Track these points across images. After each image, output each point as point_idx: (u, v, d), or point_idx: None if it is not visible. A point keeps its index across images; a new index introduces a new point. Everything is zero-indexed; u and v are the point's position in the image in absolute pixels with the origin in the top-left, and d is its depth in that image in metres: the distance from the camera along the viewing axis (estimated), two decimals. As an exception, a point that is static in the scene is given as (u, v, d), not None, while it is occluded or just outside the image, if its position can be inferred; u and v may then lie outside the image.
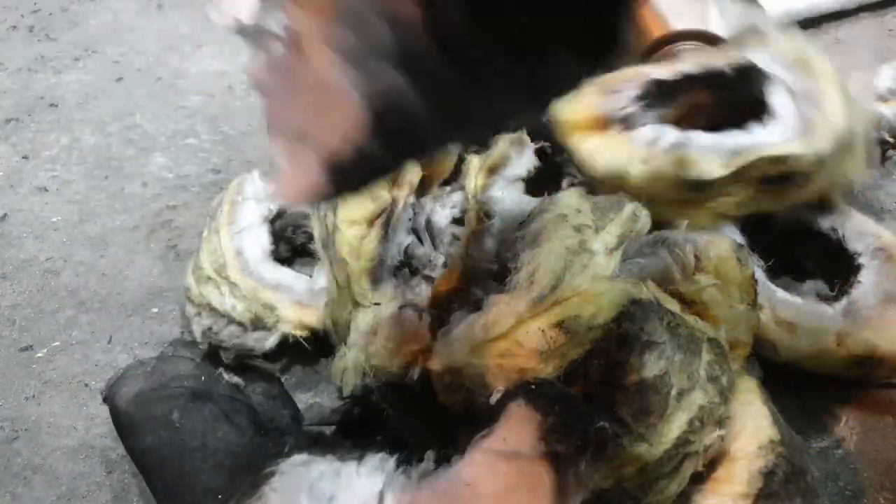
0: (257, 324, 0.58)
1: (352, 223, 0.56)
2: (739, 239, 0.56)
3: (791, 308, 0.55)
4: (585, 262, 0.48)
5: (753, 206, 0.57)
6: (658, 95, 0.62)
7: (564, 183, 0.64)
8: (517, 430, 0.37)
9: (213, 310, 0.59)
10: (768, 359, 0.54)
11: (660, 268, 0.49)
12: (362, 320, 0.53)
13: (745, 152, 0.56)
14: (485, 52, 0.29)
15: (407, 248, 0.58)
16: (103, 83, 0.95)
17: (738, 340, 0.49)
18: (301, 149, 0.31)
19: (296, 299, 0.59)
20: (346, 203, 0.57)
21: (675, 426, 0.42)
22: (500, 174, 0.61)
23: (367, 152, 0.29)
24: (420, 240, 0.59)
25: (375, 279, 0.55)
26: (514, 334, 0.44)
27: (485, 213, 0.56)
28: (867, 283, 0.56)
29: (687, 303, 0.48)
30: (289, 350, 0.59)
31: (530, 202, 0.58)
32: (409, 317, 0.52)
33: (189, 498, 0.49)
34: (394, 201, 0.58)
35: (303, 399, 0.58)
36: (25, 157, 0.83)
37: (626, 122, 0.61)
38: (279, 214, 0.66)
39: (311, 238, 0.64)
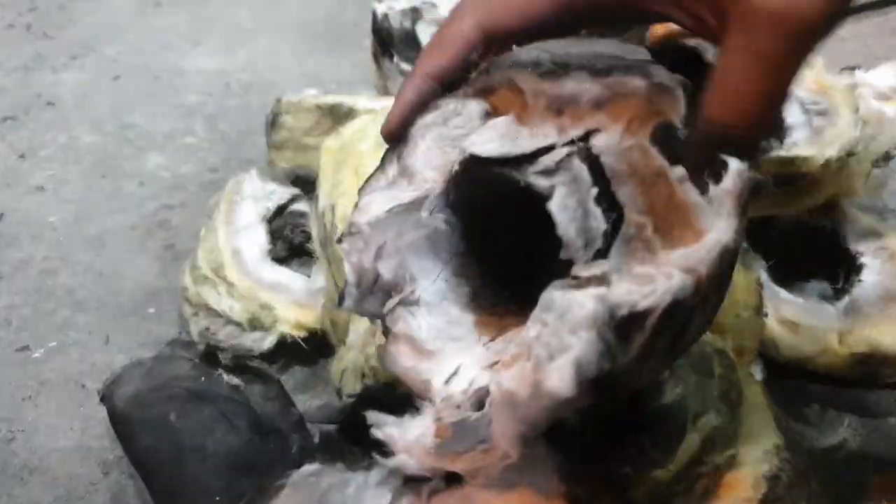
0: (255, 324, 0.57)
1: (351, 223, 0.56)
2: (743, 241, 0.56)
3: (793, 307, 0.55)
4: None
5: (760, 209, 0.57)
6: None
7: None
8: (534, 463, 0.36)
9: (210, 310, 0.58)
10: (770, 358, 0.54)
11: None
12: (361, 321, 0.53)
13: (753, 154, 0.56)
14: None
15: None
16: (101, 82, 0.95)
17: (744, 348, 0.49)
18: None
19: (294, 299, 0.59)
20: (345, 202, 0.56)
21: (688, 448, 0.42)
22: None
23: None
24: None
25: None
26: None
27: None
28: (869, 282, 0.56)
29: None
30: (287, 351, 0.59)
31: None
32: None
33: (187, 499, 0.48)
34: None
35: (301, 400, 0.57)
36: (22, 156, 0.83)
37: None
38: (277, 214, 0.66)
39: (309, 238, 0.63)
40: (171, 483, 0.49)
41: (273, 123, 0.71)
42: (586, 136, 0.31)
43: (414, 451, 0.34)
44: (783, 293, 0.56)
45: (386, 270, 0.37)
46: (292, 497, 0.41)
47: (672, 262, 0.29)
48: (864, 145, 0.56)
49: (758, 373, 0.53)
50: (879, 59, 0.70)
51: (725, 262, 0.30)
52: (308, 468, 0.42)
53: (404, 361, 0.36)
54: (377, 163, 0.39)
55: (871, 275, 0.56)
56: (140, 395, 0.53)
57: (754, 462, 0.43)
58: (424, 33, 0.71)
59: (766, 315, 0.53)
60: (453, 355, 0.36)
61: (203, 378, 0.55)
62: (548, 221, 0.32)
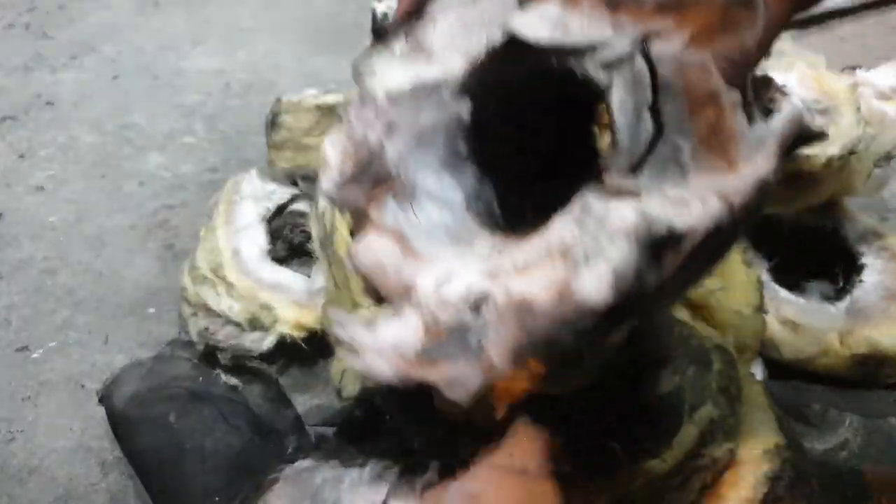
0: (254, 324, 0.57)
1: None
2: (743, 239, 0.56)
3: (794, 308, 0.55)
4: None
5: (762, 207, 0.57)
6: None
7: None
8: (525, 447, 0.36)
9: (209, 310, 0.58)
10: (771, 358, 0.54)
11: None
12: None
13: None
14: None
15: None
16: (100, 81, 0.95)
17: (745, 345, 0.49)
18: None
19: (293, 299, 0.59)
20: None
21: (685, 440, 0.41)
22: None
23: None
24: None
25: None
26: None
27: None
28: (870, 282, 0.56)
29: (693, 307, 0.48)
30: (286, 351, 0.59)
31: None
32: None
33: (186, 499, 0.48)
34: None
35: (301, 400, 0.57)
36: (22, 156, 0.83)
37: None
38: (277, 214, 0.66)
39: (308, 237, 0.63)
40: (170, 483, 0.49)
41: (273, 123, 0.71)
42: (645, 39, 0.28)
43: (386, 353, 0.31)
44: (784, 293, 0.56)
45: (392, 152, 0.33)
46: (285, 491, 0.41)
47: (706, 187, 0.27)
48: (865, 145, 0.56)
49: (758, 373, 0.53)
50: (880, 58, 0.70)
51: (759, 200, 0.28)
52: (302, 464, 0.42)
53: (383, 258, 0.32)
54: None
55: (872, 275, 0.56)
56: (139, 396, 0.53)
57: (755, 462, 0.43)
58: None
59: (767, 313, 0.53)
60: (447, 261, 0.32)
61: (202, 378, 0.55)
62: (572, 130, 0.30)
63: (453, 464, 0.39)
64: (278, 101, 0.71)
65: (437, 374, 0.30)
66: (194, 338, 0.59)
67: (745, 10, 0.27)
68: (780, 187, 0.56)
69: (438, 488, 0.38)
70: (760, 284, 0.50)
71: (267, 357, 0.58)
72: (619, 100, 0.28)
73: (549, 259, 0.28)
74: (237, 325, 0.57)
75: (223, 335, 0.58)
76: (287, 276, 0.61)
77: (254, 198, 0.65)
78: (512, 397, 0.33)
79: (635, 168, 0.28)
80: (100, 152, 0.83)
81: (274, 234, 0.65)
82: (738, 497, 0.42)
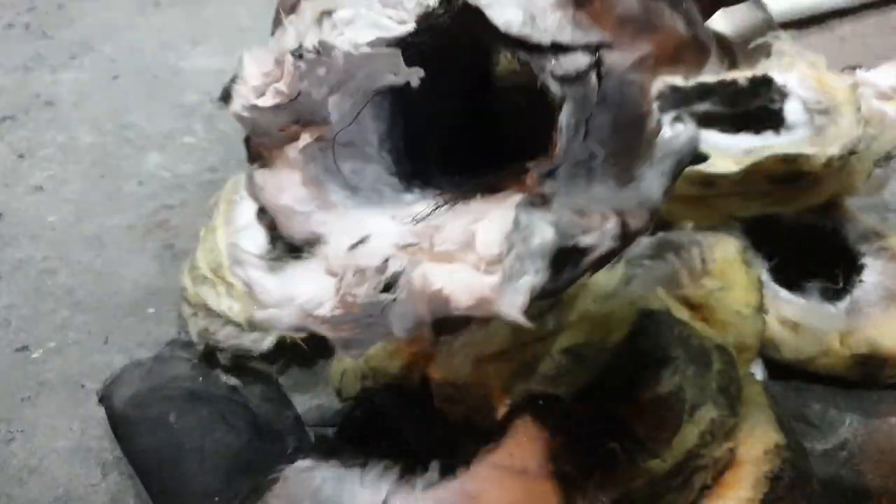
0: (254, 324, 0.57)
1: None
2: (743, 239, 0.56)
3: (794, 308, 0.55)
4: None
5: (762, 207, 0.57)
6: (673, 101, 0.63)
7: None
8: (525, 446, 0.36)
9: (209, 310, 0.58)
10: (771, 359, 0.54)
11: (668, 273, 0.48)
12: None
13: (756, 151, 0.56)
14: None
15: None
16: (100, 81, 0.94)
17: (745, 345, 0.49)
18: None
19: (293, 299, 0.59)
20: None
21: (686, 440, 0.41)
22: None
23: None
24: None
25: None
26: (520, 356, 0.43)
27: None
28: (870, 282, 0.56)
29: (694, 307, 0.48)
30: (286, 351, 0.59)
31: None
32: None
33: (185, 499, 0.48)
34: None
35: (300, 401, 0.57)
36: (21, 156, 0.83)
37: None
38: (277, 214, 0.65)
39: (308, 237, 0.63)
40: (170, 483, 0.49)
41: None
42: (599, 49, 0.28)
43: (290, 308, 0.30)
44: (784, 293, 0.56)
45: (334, 110, 0.31)
46: (285, 491, 0.41)
47: (607, 199, 0.28)
48: (865, 145, 0.56)
49: (759, 373, 0.53)
50: (880, 58, 0.70)
51: (650, 220, 0.29)
52: (302, 463, 0.42)
53: (289, 199, 0.31)
54: None
55: (872, 275, 0.56)
56: (139, 396, 0.53)
57: (755, 462, 0.43)
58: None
59: (766, 313, 0.53)
60: (362, 220, 0.31)
61: (202, 379, 0.55)
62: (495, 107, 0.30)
63: (453, 464, 0.39)
64: (278, 100, 0.71)
65: (336, 334, 0.30)
66: (194, 338, 0.59)
67: (699, 54, 0.28)
68: (781, 187, 0.57)
69: (438, 488, 0.38)
70: (760, 284, 0.50)
71: (267, 357, 0.58)
72: (569, 115, 0.28)
73: (474, 262, 0.28)
74: (237, 325, 0.57)
75: (223, 335, 0.58)
76: (287, 276, 0.60)
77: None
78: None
79: (553, 172, 0.29)
80: (99, 152, 0.83)
81: (273, 235, 0.65)
82: (739, 497, 0.42)
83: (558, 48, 0.29)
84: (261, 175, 0.31)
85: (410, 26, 0.30)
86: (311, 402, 0.58)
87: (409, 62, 0.31)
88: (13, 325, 0.65)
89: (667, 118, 0.57)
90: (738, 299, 0.49)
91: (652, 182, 0.28)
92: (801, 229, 0.60)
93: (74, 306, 0.66)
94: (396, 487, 0.40)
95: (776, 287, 0.56)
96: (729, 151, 0.57)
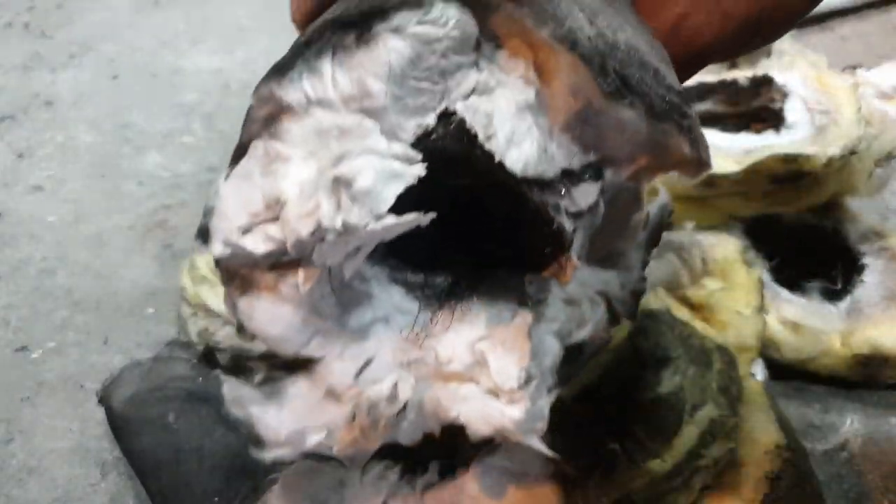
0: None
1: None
2: (743, 239, 0.56)
3: (795, 308, 0.55)
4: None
5: (762, 207, 0.57)
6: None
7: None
8: (525, 448, 0.36)
9: (208, 311, 0.58)
10: (772, 359, 0.54)
11: (668, 273, 0.48)
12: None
13: (757, 151, 0.56)
14: None
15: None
16: (99, 81, 0.94)
17: (745, 346, 0.49)
18: None
19: (293, 300, 0.59)
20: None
21: (686, 440, 0.41)
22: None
23: None
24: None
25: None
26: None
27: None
28: (871, 282, 0.56)
29: (694, 308, 0.48)
30: (286, 351, 0.59)
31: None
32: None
33: (185, 500, 0.48)
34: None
35: (300, 401, 0.57)
36: (20, 156, 0.83)
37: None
38: (276, 213, 0.65)
39: (308, 237, 0.63)
40: (170, 484, 0.49)
41: (272, 123, 0.71)
42: (600, 164, 0.26)
43: (292, 439, 0.29)
44: (785, 293, 0.56)
45: (349, 270, 0.28)
46: (284, 492, 0.41)
47: (593, 284, 0.28)
48: (866, 144, 0.56)
49: (759, 373, 0.53)
50: (882, 57, 0.70)
51: (631, 301, 0.29)
52: (301, 464, 0.42)
53: (281, 329, 0.29)
54: None
55: (873, 275, 0.56)
56: (138, 396, 0.53)
57: (756, 462, 0.43)
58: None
59: (767, 313, 0.52)
60: (360, 336, 0.29)
61: (202, 379, 0.55)
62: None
63: (453, 464, 0.39)
64: (277, 100, 0.71)
65: (338, 448, 0.29)
66: (193, 338, 0.59)
67: (698, 169, 0.26)
68: (782, 187, 0.57)
69: (438, 488, 0.38)
70: (761, 285, 0.50)
71: (266, 357, 0.58)
72: (580, 245, 0.27)
73: (488, 387, 0.28)
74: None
75: (222, 335, 0.57)
76: (286, 277, 0.60)
77: (253, 197, 0.65)
78: None
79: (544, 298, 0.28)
80: (98, 152, 0.83)
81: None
82: (739, 497, 0.42)
83: (567, 174, 0.26)
84: (246, 303, 0.29)
85: (420, 168, 0.26)
86: (310, 402, 0.58)
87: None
88: (12, 325, 0.65)
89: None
90: (738, 299, 0.49)
91: (631, 258, 0.28)
92: (802, 229, 0.60)
93: (74, 306, 0.66)
94: (396, 487, 0.39)
95: (777, 287, 0.56)
96: (729, 151, 0.57)
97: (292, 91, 0.26)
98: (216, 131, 0.86)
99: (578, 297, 0.28)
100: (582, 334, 0.28)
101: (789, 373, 0.55)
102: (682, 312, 0.47)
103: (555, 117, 0.26)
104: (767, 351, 0.54)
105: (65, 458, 0.55)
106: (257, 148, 0.28)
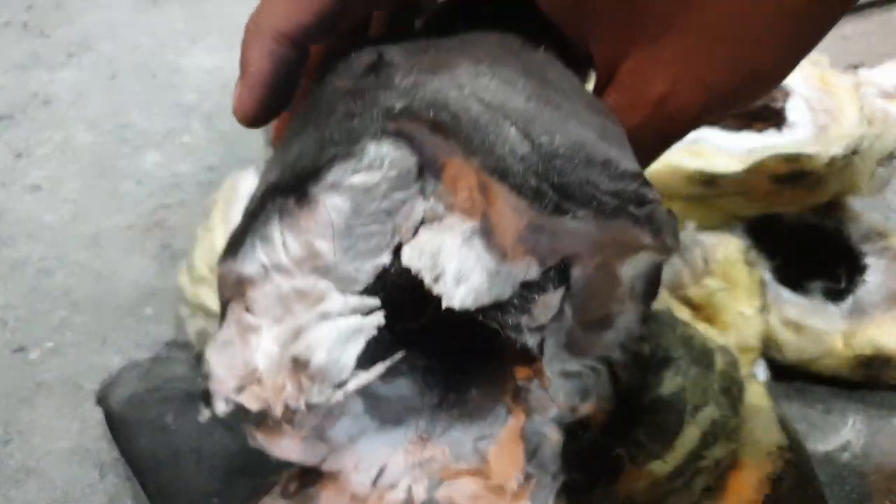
0: None
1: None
2: (745, 239, 0.55)
3: (797, 308, 0.55)
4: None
5: (764, 207, 0.57)
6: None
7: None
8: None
9: (207, 311, 0.58)
10: (774, 359, 0.54)
11: (670, 273, 0.48)
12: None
13: (758, 150, 0.56)
14: None
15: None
16: (97, 80, 0.94)
17: (747, 346, 0.49)
18: None
19: (292, 300, 0.58)
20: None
21: (687, 441, 0.41)
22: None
23: None
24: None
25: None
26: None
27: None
28: (873, 282, 0.56)
29: (696, 308, 0.48)
30: (285, 351, 0.58)
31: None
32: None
33: (184, 501, 0.48)
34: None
35: (300, 401, 0.57)
36: (19, 156, 0.83)
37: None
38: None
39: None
40: (168, 485, 0.49)
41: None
42: (564, 265, 0.26)
43: None
44: (786, 293, 0.56)
45: (339, 434, 0.29)
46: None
47: (587, 350, 0.27)
48: (868, 144, 0.56)
49: (761, 374, 0.53)
50: (883, 56, 0.70)
51: (633, 364, 0.28)
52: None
53: (295, 456, 0.29)
54: None
55: (875, 275, 0.56)
56: (136, 397, 0.53)
57: (758, 463, 0.42)
58: (423, 31, 0.71)
59: (769, 314, 0.52)
60: (370, 444, 0.30)
61: (200, 380, 0.55)
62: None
63: None
64: (277, 99, 0.71)
65: None
66: (192, 338, 0.58)
67: (664, 252, 0.25)
68: (783, 187, 0.56)
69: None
70: (763, 285, 0.50)
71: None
72: (550, 356, 0.27)
73: (493, 487, 0.28)
74: (235, 325, 0.57)
75: (221, 336, 0.57)
76: (285, 277, 0.60)
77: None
78: None
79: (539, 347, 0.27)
80: (97, 151, 0.83)
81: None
82: (741, 499, 0.42)
83: (526, 286, 0.26)
84: (262, 438, 0.30)
85: (379, 318, 0.26)
86: (310, 403, 0.57)
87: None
88: (10, 325, 0.64)
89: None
90: (740, 300, 0.49)
91: (628, 317, 0.27)
92: (804, 229, 0.60)
93: (72, 307, 0.66)
94: None
95: (778, 287, 0.56)
96: (731, 150, 0.57)
97: (248, 264, 0.26)
98: (215, 131, 0.85)
99: (577, 368, 0.27)
100: (585, 408, 0.27)
101: (791, 373, 0.55)
102: (683, 313, 0.47)
103: (503, 236, 0.25)
104: (769, 351, 0.54)
105: (63, 459, 0.55)
106: (234, 312, 0.28)
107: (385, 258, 0.26)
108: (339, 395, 0.27)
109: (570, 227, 0.24)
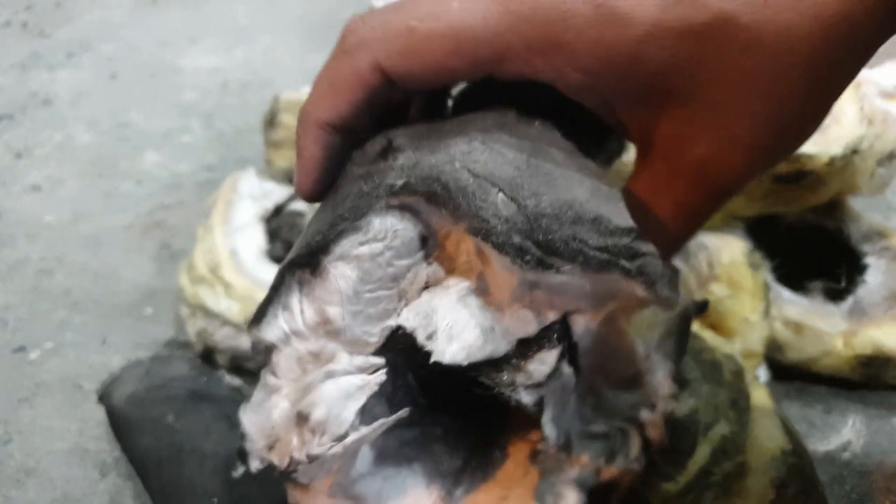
0: (253, 325, 0.57)
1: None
2: (746, 239, 0.55)
3: (797, 308, 0.55)
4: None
5: (764, 206, 0.57)
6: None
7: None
8: None
9: (207, 311, 0.58)
10: (774, 359, 0.54)
11: (676, 279, 0.48)
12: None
13: (759, 150, 0.56)
14: None
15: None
16: (97, 80, 0.94)
17: (752, 352, 0.48)
18: None
19: (292, 300, 0.58)
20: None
21: (699, 459, 0.41)
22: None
23: None
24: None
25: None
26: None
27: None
28: (873, 282, 0.55)
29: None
30: (285, 351, 0.58)
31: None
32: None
33: (185, 500, 0.48)
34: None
35: (300, 401, 0.57)
36: (18, 156, 0.83)
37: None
38: (275, 213, 0.65)
39: (307, 237, 0.63)
40: (169, 484, 0.49)
41: (271, 122, 0.71)
42: (565, 318, 0.26)
43: None
44: (787, 294, 0.55)
45: (368, 491, 0.31)
46: None
47: (622, 412, 0.28)
48: (868, 144, 0.56)
49: (762, 374, 0.53)
50: (883, 56, 0.69)
51: (663, 425, 0.29)
52: None
53: None
54: None
55: (876, 275, 0.56)
56: (138, 396, 0.53)
57: (763, 469, 0.42)
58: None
59: (773, 318, 0.52)
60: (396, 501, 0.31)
61: (202, 378, 0.55)
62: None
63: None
64: (276, 99, 0.71)
65: None
66: (192, 338, 0.58)
67: (664, 306, 0.26)
68: (783, 187, 0.56)
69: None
70: (767, 288, 0.50)
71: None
72: (550, 417, 0.27)
73: None
74: (235, 325, 0.57)
75: (221, 336, 0.57)
76: (286, 277, 0.60)
77: (251, 197, 0.65)
78: None
79: (567, 439, 0.28)
80: (97, 151, 0.83)
81: (272, 234, 0.64)
82: (745, 504, 0.42)
83: (523, 343, 0.27)
84: (300, 497, 0.32)
85: (381, 376, 0.28)
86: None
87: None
88: (10, 325, 0.64)
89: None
90: (745, 305, 0.49)
91: (656, 376, 0.28)
92: (804, 229, 0.60)
93: (72, 307, 0.66)
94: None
95: (779, 287, 0.56)
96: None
97: (270, 331, 0.29)
98: (215, 130, 0.85)
99: (603, 428, 0.28)
100: (611, 470, 0.27)
101: (791, 373, 0.55)
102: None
103: (498, 294, 0.27)
104: (769, 351, 0.54)
105: (63, 459, 0.55)
106: (263, 377, 0.31)
107: (393, 321, 0.28)
108: (338, 448, 0.28)
109: (560, 281, 0.25)
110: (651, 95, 0.28)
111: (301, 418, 0.29)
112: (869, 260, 0.57)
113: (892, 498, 0.49)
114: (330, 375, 0.29)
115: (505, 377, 0.27)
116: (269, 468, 0.30)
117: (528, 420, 0.30)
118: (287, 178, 0.70)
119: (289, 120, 0.69)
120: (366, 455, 0.32)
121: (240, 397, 0.54)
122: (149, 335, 0.63)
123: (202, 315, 0.58)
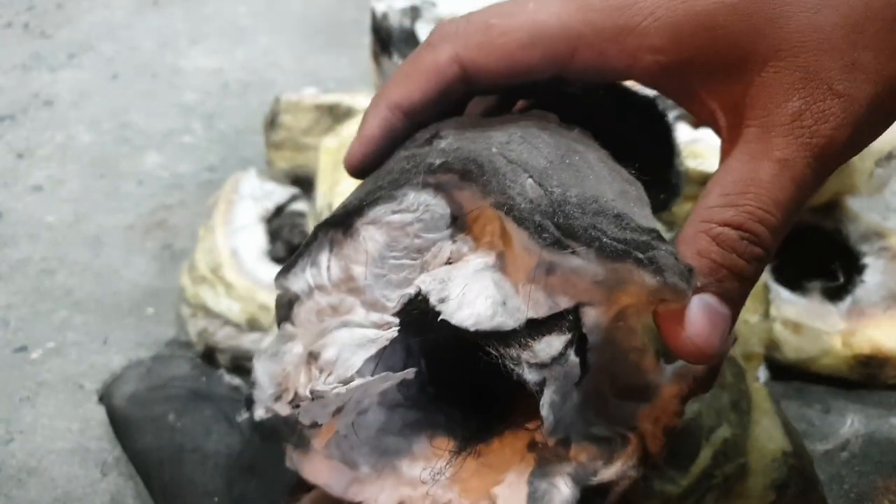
0: (254, 325, 0.57)
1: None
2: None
3: (795, 308, 0.55)
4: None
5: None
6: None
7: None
8: None
9: (208, 311, 0.58)
10: (772, 359, 0.54)
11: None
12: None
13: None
14: None
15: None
16: (98, 81, 0.94)
17: (752, 354, 0.49)
18: None
19: (293, 300, 0.58)
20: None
21: (701, 462, 0.41)
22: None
23: None
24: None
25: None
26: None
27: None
28: (871, 282, 0.56)
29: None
30: (286, 351, 0.58)
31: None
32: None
33: (186, 500, 0.48)
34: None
35: (300, 401, 0.57)
36: (20, 156, 0.83)
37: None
38: (276, 213, 0.65)
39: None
40: (171, 483, 0.49)
41: (272, 123, 0.71)
42: (577, 309, 0.27)
43: None
44: (785, 293, 0.56)
45: (364, 462, 0.32)
46: None
47: (624, 419, 0.29)
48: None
49: (760, 374, 0.53)
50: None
51: (663, 439, 0.29)
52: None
53: (323, 480, 0.32)
54: None
55: (874, 275, 0.56)
56: (139, 395, 0.53)
57: (763, 471, 0.42)
58: (424, 32, 0.71)
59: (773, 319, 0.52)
60: (393, 481, 0.32)
61: (203, 378, 0.55)
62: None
63: None
64: (277, 100, 0.71)
65: None
66: (193, 338, 0.59)
67: (676, 297, 0.26)
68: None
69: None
70: (767, 290, 0.50)
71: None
72: (549, 400, 0.27)
73: None
74: (236, 325, 0.57)
75: (222, 336, 0.57)
76: (286, 277, 0.60)
77: (252, 197, 0.65)
78: None
79: (566, 436, 0.29)
80: (98, 152, 0.83)
81: (273, 234, 0.65)
82: (745, 506, 0.42)
83: (533, 325, 0.27)
84: (297, 458, 0.33)
85: (392, 332, 0.29)
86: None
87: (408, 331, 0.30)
88: (12, 325, 0.65)
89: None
90: (746, 307, 0.49)
91: (667, 391, 0.29)
92: (802, 229, 0.60)
93: (73, 306, 0.66)
94: None
95: (777, 287, 0.56)
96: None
97: (296, 282, 0.31)
98: (216, 131, 0.86)
99: (605, 432, 0.28)
100: (608, 474, 0.28)
101: (790, 373, 0.55)
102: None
103: (515, 273, 0.28)
104: (768, 351, 0.54)
105: (64, 459, 0.55)
106: (282, 328, 0.32)
107: (412, 289, 0.29)
108: (341, 390, 0.29)
109: (575, 265, 0.26)
110: (732, 64, 0.28)
111: (311, 357, 0.30)
112: (867, 260, 0.57)
113: (891, 497, 0.49)
114: (345, 324, 0.30)
115: (512, 352, 0.27)
116: (271, 418, 0.31)
117: (528, 413, 0.30)
118: (288, 178, 0.70)
119: (289, 121, 0.70)
120: (369, 424, 0.33)
121: (240, 397, 0.54)
122: (150, 335, 0.63)
123: (203, 315, 0.58)
